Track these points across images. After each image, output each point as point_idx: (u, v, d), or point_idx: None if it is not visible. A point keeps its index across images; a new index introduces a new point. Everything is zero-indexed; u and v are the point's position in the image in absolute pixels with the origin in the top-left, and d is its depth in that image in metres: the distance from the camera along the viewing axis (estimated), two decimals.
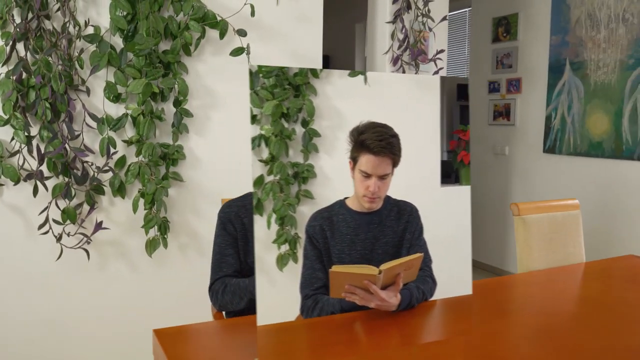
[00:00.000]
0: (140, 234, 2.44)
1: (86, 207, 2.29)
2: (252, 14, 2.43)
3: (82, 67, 2.25)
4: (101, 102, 2.30)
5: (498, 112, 4.38)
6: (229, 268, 1.80)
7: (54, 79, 2.14)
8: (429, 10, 3.10)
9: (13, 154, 2.15)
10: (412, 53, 3.07)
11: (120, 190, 2.36)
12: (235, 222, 1.86)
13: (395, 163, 1.34)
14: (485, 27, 4.45)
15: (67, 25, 2.19)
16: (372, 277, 1.31)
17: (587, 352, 1.27)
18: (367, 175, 1.33)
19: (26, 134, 2.16)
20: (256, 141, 1.21)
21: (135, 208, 2.35)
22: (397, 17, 3.05)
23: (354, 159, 1.33)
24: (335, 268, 1.29)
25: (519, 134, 4.24)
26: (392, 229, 1.36)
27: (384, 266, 1.33)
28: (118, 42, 2.30)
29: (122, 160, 2.34)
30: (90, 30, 2.25)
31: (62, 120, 2.22)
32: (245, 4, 2.43)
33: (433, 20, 3.13)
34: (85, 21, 2.23)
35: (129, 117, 2.32)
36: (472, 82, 4.39)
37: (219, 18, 2.39)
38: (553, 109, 3.94)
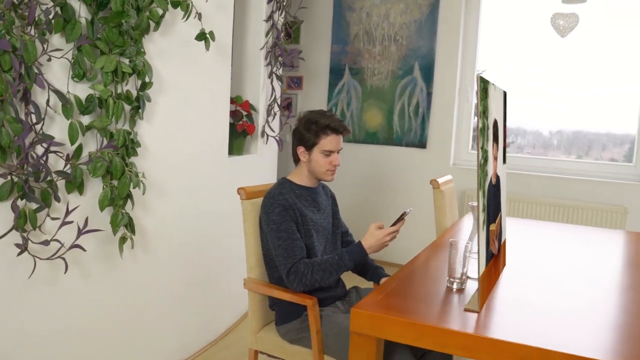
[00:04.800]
0: (96, 236, 2.02)
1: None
2: None
3: (44, 34, 1.75)
4: (60, 81, 1.83)
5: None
6: (302, 251, 1.84)
7: (25, 48, 1.63)
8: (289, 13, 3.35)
9: None
10: (281, 51, 3.28)
11: (80, 186, 1.92)
12: (294, 207, 1.89)
13: None
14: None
15: None
16: None
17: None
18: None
19: None
20: (480, 132, 1.44)
21: (102, 205, 1.95)
22: (270, 17, 3.20)
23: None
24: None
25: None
26: None
27: None
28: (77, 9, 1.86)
29: (79, 150, 1.91)
30: None
31: (20, 99, 1.69)
32: None
33: (291, 23, 3.40)
34: None
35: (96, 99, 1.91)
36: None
37: None
38: (334, 104, 4.66)
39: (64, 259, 1.79)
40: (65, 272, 1.81)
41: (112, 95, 1.94)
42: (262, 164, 3.32)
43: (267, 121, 3.30)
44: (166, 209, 2.38)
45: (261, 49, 3.18)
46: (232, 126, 2.95)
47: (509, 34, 4.18)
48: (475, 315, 1.47)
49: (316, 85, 4.73)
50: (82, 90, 1.90)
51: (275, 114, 3.39)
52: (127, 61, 2.00)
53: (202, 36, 2.24)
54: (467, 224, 2.72)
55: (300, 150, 1.97)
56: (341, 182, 4.68)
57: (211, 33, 2.26)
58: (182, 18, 2.18)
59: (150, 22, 2.11)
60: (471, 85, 4.24)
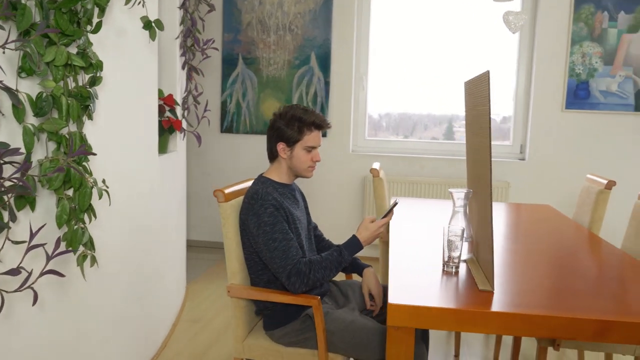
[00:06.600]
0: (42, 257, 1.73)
1: None
2: None
3: None
4: (2, 77, 1.52)
5: None
6: (298, 251, 1.80)
7: None
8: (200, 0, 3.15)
9: None
10: (196, 40, 3.07)
11: (33, 201, 1.62)
12: (283, 206, 1.83)
13: None
14: None
15: None
16: None
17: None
18: None
19: None
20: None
21: (61, 221, 1.67)
22: (183, 4, 2.97)
23: None
24: None
25: (194, 117, 4.58)
26: None
27: None
28: None
29: (27, 159, 1.61)
30: None
31: None
32: None
33: (199, 11, 3.19)
34: None
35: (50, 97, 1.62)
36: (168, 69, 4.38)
37: None
38: (228, 95, 4.50)
39: (32, 288, 1.51)
40: (33, 305, 1.52)
41: (63, 92, 1.67)
42: (183, 162, 3.11)
43: (184, 115, 3.09)
44: (109, 217, 2.12)
45: (176, 38, 2.95)
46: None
47: (395, 24, 4.41)
48: (491, 294, 1.56)
49: (208, 75, 4.52)
50: (27, 88, 1.60)
51: (188, 108, 3.19)
52: (75, 52, 1.73)
53: (148, 25, 2.01)
54: (401, 208, 2.85)
55: (281, 146, 1.90)
56: (243, 174, 4.56)
57: (157, 22, 2.04)
58: (126, 4, 1.94)
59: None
60: (366, 74, 4.40)
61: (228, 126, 4.54)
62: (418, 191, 4.22)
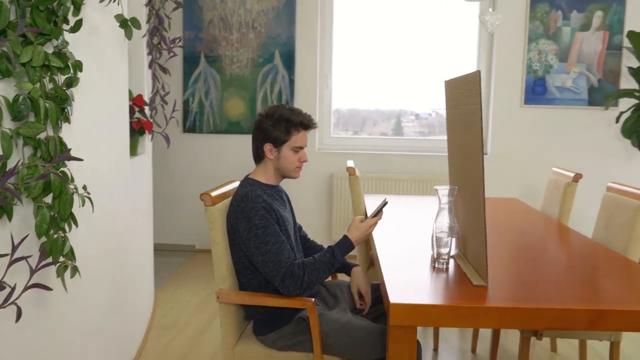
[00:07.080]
0: (22, 269, 1.63)
1: None
2: None
3: None
4: None
5: None
6: (290, 253, 1.78)
7: None
8: None
9: None
10: (162, 39, 2.97)
11: (10, 210, 1.52)
12: (273, 208, 1.80)
13: None
14: None
15: None
16: None
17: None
18: None
19: None
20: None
21: (41, 231, 1.58)
22: (149, 1, 2.86)
23: None
24: None
25: (161, 117, 4.44)
26: None
27: None
28: None
29: (4, 166, 1.51)
30: None
31: None
32: None
33: (164, 9, 3.09)
34: None
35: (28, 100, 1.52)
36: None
37: None
38: (190, 94, 4.39)
39: (16, 304, 1.42)
40: (17, 321, 1.43)
41: (41, 95, 1.57)
42: (150, 164, 3.02)
43: (152, 116, 2.99)
44: (84, 224, 2.02)
45: (143, 36, 2.85)
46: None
47: (352, 21, 4.43)
48: (485, 289, 1.59)
49: (169, 74, 4.39)
50: (2, 90, 1.50)
51: (155, 108, 3.08)
52: (51, 52, 1.64)
53: (124, 24, 1.93)
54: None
55: (268, 147, 1.86)
56: (207, 174, 4.46)
57: (134, 20, 1.96)
58: (101, 1, 1.85)
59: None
60: (330, 72, 4.40)
61: (191, 126, 4.43)
62: (387, 188, 4.26)
